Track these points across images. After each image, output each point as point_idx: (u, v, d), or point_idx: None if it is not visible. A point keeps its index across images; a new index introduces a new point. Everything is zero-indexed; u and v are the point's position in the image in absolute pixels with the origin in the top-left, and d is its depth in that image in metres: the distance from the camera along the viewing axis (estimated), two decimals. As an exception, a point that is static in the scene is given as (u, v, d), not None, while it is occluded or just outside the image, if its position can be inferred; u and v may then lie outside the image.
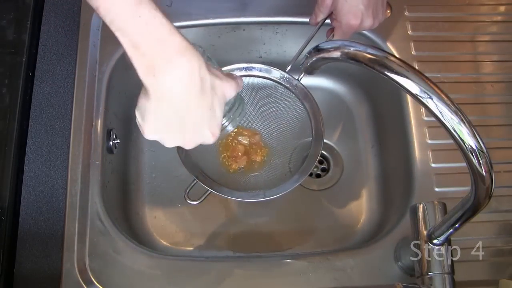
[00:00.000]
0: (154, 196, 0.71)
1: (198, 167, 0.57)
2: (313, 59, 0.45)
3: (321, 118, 0.58)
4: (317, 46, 0.44)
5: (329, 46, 0.42)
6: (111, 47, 0.64)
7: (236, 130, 0.64)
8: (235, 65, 0.60)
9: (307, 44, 0.58)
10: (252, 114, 0.64)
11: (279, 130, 0.63)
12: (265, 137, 0.64)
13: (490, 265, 0.56)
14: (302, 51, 0.58)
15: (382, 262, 0.55)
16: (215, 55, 0.73)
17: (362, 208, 0.72)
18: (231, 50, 0.73)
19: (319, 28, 0.59)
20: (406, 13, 0.68)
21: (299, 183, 0.56)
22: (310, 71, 0.51)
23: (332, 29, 0.58)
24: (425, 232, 0.48)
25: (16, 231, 0.55)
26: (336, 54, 0.41)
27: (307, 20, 0.63)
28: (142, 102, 0.39)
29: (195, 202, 0.56)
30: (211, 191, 0.56)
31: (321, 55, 0.43)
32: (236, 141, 0.64)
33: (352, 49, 0.39)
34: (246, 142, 0.64)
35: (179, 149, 0.56)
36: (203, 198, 0.56)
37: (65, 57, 0.63)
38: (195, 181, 0.56)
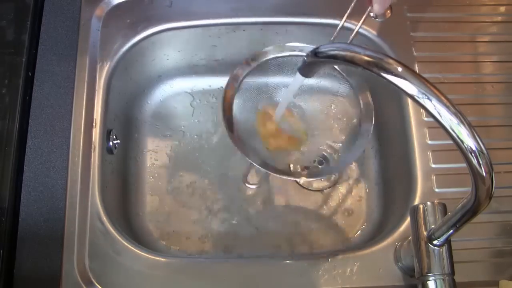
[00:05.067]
0: (154, 196, 0.71)
1: (250, 152, 0.58)
2: (311, 63, 0.44)
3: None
4: (314, 49, 0.43)
5: (326, 49, 0.42)
6: (111, 47, 0.64)
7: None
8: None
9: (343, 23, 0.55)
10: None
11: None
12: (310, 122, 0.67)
13: (490, 266, 0.56)
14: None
15: (382, 263, 0.55)
16: (215, 56, 0.74)
17: (362, 208, 0.72)
18: (231, 50, 0.73)
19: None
20: (407, 14, 0.68)
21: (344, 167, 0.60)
22: (307, 74, 0.50)
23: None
24: (425, 233, 0.48)
25: (16, 231, 0.55)
26: (334, 57, 0.40)
27: (307, 20, 0.62)
28: None
29: (254, 186, 0.60)
30: (271, 174, 0.58)
31: (319, 58, 0.43)
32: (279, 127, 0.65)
33: (349, 52, 0.39)
34: (289, 125, 0.65)
35: (233, 139, 0.58)
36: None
37: (65, 57, 0.63)
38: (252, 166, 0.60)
